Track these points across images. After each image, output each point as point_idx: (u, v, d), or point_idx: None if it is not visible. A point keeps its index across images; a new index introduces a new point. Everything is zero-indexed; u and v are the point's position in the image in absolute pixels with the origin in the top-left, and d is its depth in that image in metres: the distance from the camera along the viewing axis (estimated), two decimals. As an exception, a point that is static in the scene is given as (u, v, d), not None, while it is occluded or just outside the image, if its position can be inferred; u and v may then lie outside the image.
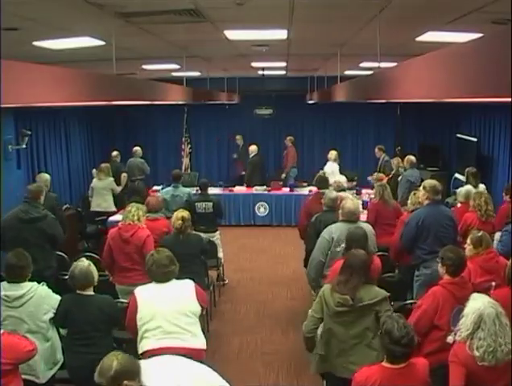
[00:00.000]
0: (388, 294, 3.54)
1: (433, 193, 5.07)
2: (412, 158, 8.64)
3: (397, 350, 2.71)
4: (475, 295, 3.09)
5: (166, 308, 3.56)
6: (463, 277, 3.63)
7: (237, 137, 12.34)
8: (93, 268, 3.83)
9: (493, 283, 3.94)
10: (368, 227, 4.77)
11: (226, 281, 7.54)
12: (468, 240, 4.31)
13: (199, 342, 3.65)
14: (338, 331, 3.45)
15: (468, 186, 6.69)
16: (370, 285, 3.53)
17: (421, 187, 5.30)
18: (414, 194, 5.72)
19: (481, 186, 6.95)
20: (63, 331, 3.82)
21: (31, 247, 4.56)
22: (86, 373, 3.04)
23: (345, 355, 3.42)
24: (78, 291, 3.75)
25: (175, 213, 5.38)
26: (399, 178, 8.36)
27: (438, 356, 3.46)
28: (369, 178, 9.49)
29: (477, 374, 2.87)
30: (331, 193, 5.68)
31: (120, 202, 8.44)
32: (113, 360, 2.31)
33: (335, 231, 4.57)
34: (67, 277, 3.91)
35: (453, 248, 3.73)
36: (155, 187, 10.54)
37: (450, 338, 3.50)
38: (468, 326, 2.87)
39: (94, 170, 9.04)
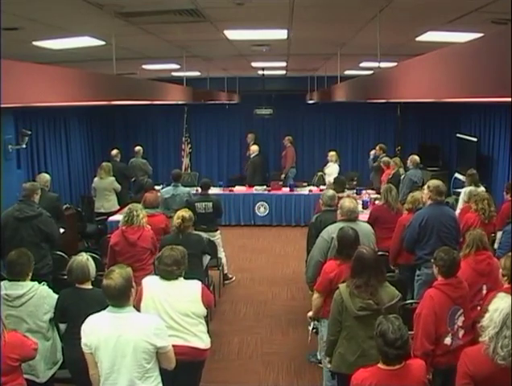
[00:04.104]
0: (400, 295, 3.53)
1: (436, 194, 5.05)
2: (416, 157, 8.65)
3: (390, 352, 2.69)
4: (501, 294, 2.99)
5: (168, 306, 3.57)
6: (457, 278, 3.58)
7: (249, 135, 12.20)
8: (91, 263, 3.82)
9: (484, 286, 3.91)
10: (368, 227, 4.76)
11: (233, 279, 7.61)
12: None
13: (200, 342, 3.66)
14: (358, 333, 3.42)
15: (473, 188, 6.70)
16: (385, 284, 3.50)
17: (425, 187, 5.28)
18: (411, 193, 5.72)
19: (480, 189, 6.94)
20: (62, 327, 3.80)
21: (28, 245, 4.56)
22: (85, 365, 3.06)
23: (367, 354, 3.36)
24: (77, 285, 3.75)
25: (177, 212, 5.38)
26: (402, 178, 8.36)
27: (438, 359, 3.47)
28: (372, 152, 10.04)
29: (493, 378, 2.72)
30: (328, 191, 5.60)
31: (123, 199, 8.46)
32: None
33: (334, 231, 4.50)
34: (66, 276, 3.91)
35: (446, 249, 3.67)
36: (155, 187, 10.52)
37: (448, 340, 3.49)
38: (497, 324, 2.72)
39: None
